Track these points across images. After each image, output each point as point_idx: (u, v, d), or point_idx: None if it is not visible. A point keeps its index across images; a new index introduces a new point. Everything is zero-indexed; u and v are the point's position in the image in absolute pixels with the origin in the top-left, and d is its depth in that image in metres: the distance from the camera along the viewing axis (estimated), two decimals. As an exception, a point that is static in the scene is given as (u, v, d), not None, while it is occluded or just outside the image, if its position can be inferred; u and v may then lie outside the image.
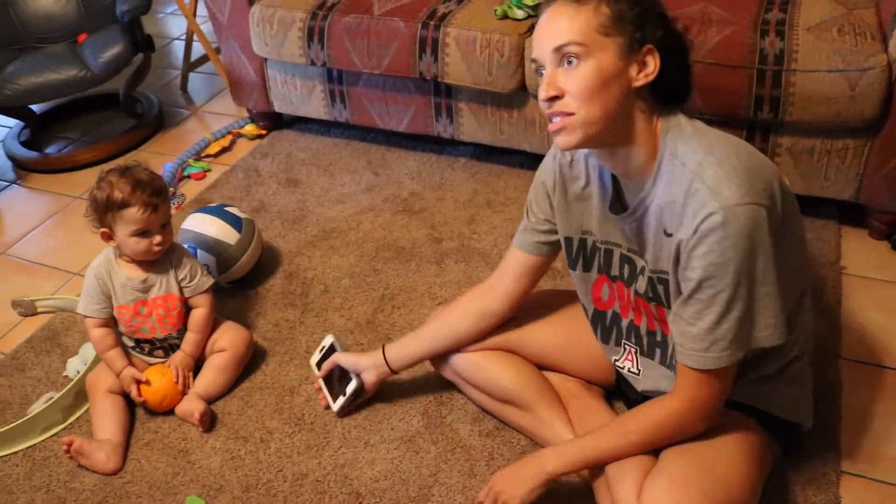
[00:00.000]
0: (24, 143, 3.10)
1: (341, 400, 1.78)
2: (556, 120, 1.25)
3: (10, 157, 3.06)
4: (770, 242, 1.20)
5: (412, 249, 2.33)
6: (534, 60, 1.28)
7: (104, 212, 1.77)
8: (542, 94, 1.24)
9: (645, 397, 1.55)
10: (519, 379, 1.68)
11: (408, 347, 1.75)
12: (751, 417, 1.43)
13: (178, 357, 1.90)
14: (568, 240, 1.54)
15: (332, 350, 1.87)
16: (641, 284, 1.43)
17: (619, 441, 1.39)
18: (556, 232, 1.55)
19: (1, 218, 2.77)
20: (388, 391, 1.87)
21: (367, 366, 1.76)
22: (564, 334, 1.71)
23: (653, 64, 1.24)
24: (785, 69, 1.99)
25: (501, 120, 2.47)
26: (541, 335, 1.70)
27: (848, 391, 1.78)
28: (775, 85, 2.01)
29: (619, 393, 1.73)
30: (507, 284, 1.64)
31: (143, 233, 1.78)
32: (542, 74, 1.27)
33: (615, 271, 1.49)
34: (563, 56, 1.22)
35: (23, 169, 3.03)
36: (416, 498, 1.64)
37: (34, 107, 3.23)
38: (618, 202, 1.41)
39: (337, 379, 1.82)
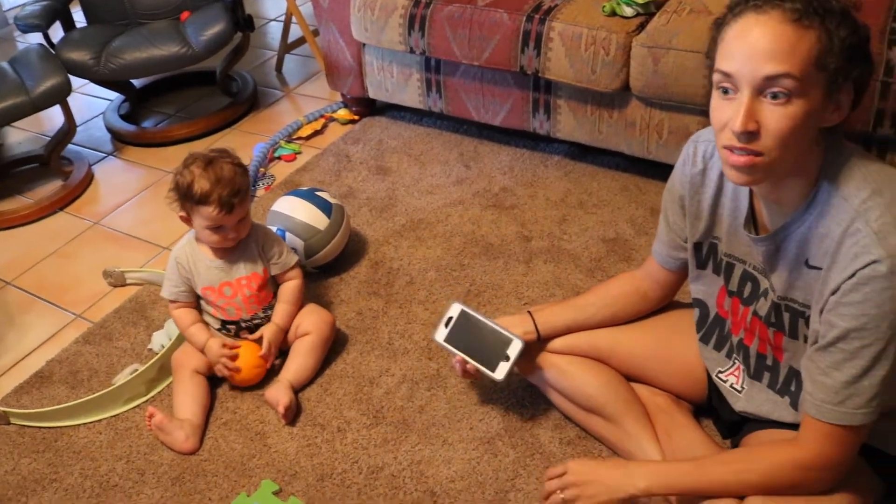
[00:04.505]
0: (122, 116, 3.17)
1: (505, 365, 1.59)
2: (741, 155, 1.11)
3: (109, 129, 3.13)
4: None
5: (501, 246, 2.28)
6: (724, 73, 1.11)
7: (184, 199, 1.78)
8: (740, 125, 1.08)
9: (742, 418, 1.48)
10: (606, 389, 1.62)
11: (558, 315, 1.66)
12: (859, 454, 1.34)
13: (269, 329, 1.89)
14: (697, 245, 1.47)
15: (465, 319, 1.68)
16: (763, 307, 1.36)
17: (730, 477, 1.30)
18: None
19: (97, 188, 2.83)
20: (469, 389, 1.83)
21: (515, 328, 1.63)
22: (657, 344, 1.65)
23: (847, 103, 1.12)
24: (912, 83, 1.88)
25: (601, 119, 2.40)
26: (632, 344, 1.64)
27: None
28: (900, 99, 1.90)
29: (710, 410, 1.66)
30: (654, 283, 1.61)
31: (217, 228, 1.79)
32: (727, 92, 1.11)
33: (733, 286, 1.43)
34: (771, 87, 1.07)
35: (120, 141, 3.10)
36: (491, 501, 1.60)
37: (134, 81, 3.30)
38: (752, 221, 1.32)
39: (482, 346, 1.64)
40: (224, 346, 1.84)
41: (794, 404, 1.37)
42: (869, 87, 1.16)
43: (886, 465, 1.36)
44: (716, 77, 1.12)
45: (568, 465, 1.41)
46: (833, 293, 1.15)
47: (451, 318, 1.68)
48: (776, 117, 1.07)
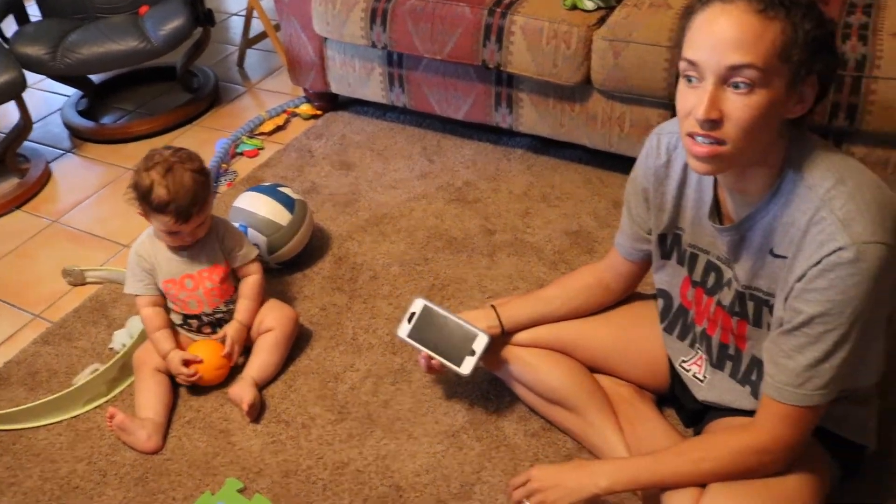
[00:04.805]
0: (81, 113, 3.12)
1: (471, 360, 1.59)
2: (703, 143, 1.12)
3: (67, 126, 3.08)
4: (890, 283, 1.14)
5: (464, 240, 2.28)
6: (689, 62, 1.11)
7: (141, 201, 1.76)
8: (703, 112, 1.09)
9: (704, 407, 1.50)
10: (569, 380, 1.63)
11: (521, 308, 1.66)
12: (814, 436, 1.36)
13: (231, 327, 1.88)
14: (662, 236, 1.48)
15: (428, 314, 1.67)
16: (727, 296, 1.37)
17: (688, 467, 1.32)
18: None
19: (55, 186, 2.79)
20: (434, 383, 1.84)
21: (479, 322, 1.64)
22: (620, 335, 1.66)
23: (811, 96, 1.14)
24: (866, 76, 1.91)
25: (563, 113, 2.41)
26: (596, 335, 1.66)
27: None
28: (854, 92, 1.93)
29: (673, 399, 1.68)
30: (616, 275, 1.62)
31: (173, 232, 1.78)
32: (692, 80, 1.12)
33: (697, 277, 1.44)
34: (735, 76, 1.08)
35: (79, 138, 3.05)
36: (457, 495, 1.60)
37: (92, 77, 3.25)
38: (716, 211, 1.34)
39: (447, 341, 1.63)
40: (184, 362, 1.81)
41: (755, 393, 1.39)
42: (834, 81, 1.18)
43: (842, 449, 1.39)
44: (682, 65, 1.13)
45: (530, 472, 1.42)
46: (798, 280, 1.17)
47: (414, 314, 1.68)
48: (739, 107, 1.08)
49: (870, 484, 1.55)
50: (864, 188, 1.14)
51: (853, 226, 1.11)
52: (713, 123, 1.10)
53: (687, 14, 1.15)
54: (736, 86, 1.08)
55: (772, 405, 1.24)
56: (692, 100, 1.12)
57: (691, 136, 1.14)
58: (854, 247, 1.10)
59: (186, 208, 1.72)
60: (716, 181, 1.32)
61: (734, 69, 1.07)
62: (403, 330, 1.68)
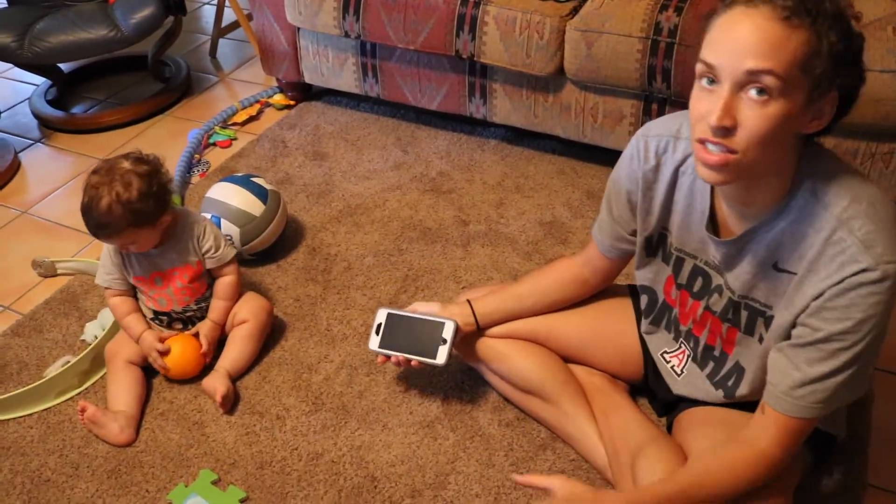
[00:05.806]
0: (50, 102, 3.08)
1: (444, 349, 1.61)
2: (715, 151, 1.07)
3: (36, 116, 3.04)
4: None
5: (438, 230, 2.28)
6: (707, 64, 1.06)
7: None
8: (716, 119, 1.04)
9: (678, 397, 1.51)
10: (542, 370, 1.64)
11: (495, 304, 1.66)
12: None
13: (205, 325, 1.87)
14: (648, 238, 1.46)
15: (393, 320, 1.68)
16: (718, 303, 1.36)
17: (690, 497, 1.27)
18: (635, 237, 1.48)
19: (24, 176, 2.75)
20: (408, 374, 1.84)
21: (456, 318, 1.63)
22: (593, 326, 1.67)
23: (829, 112, 1.09)
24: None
25: (536, 103, 2.42)
26: (569, 326, 1.66)
27: (880, 403, 1.73)
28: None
29: (646, 389, 1.69)
30: (594, 269, 1.61)
31: None
32: (710, 82, 1.07)
33: (682, 280, 1.43)
34: (753, 83, 1.03)
35: (48, 128, 3.01)
36: (432, 485, 1.61)
37: (62, 66, 3.21)
38: (711, 221, 1.31)
39: (418, 340, 1.64)
40: (160, 339, 1.81)
41: (728, 397, 1.41)
42: (855, 101, 1.13)
43: (814, 438, 1.40)
44: (698, 67, 1.08)
45: (553, 483, 1.30)
46: (815, 298, 1.16)
47: (380, 325, 1.68)
48: (754, 115, 1.04)
49: (840, 471, 1.57)
50: (878, 206, 1.13)
51: (875, 247, 1.10)
52: (726, 131, 1.05)
53: (707, 16, 1.11)
54: (754, 92, 1.03)
55: (771, 414, 1.23)
56: (706, 104, 1.07)
57: (702, 142, 1.09)
58: (880, 268, 1.09)
59: (93, 228, 1.72)
60: (712, 190, 1.29)
61: (753, 74, 1.02)
62: (374, 342, 1.68)
